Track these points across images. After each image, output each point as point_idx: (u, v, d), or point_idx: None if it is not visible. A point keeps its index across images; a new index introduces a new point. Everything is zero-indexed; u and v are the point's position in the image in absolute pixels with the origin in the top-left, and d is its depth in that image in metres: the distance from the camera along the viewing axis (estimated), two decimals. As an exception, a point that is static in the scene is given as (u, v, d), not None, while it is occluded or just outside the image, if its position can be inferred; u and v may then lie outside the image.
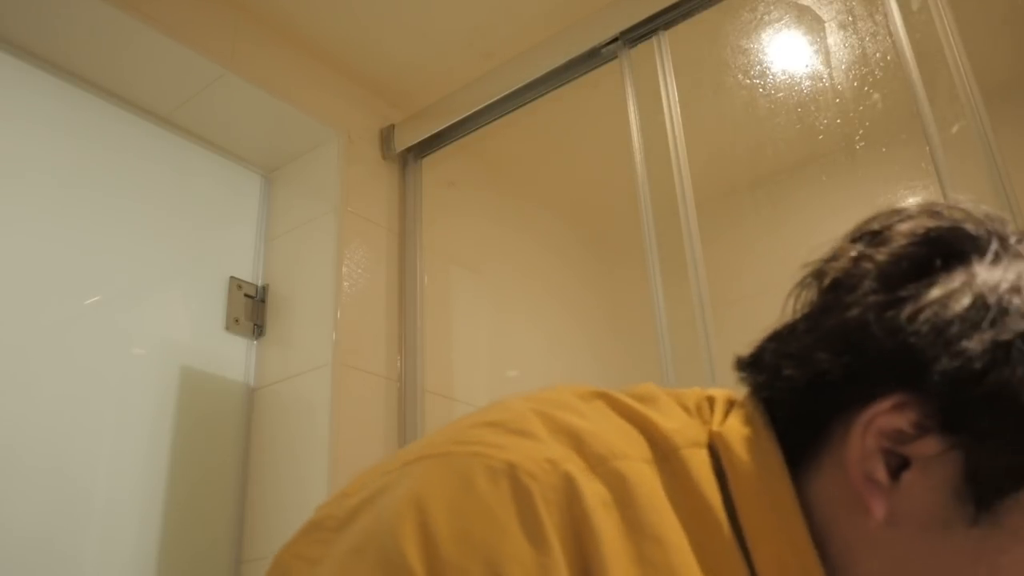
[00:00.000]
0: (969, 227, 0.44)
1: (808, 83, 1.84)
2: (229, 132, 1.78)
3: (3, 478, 1.30)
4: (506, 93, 1.76)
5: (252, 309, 1.75)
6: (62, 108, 1.56)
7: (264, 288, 1.78)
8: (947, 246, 0.43)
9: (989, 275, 0.41)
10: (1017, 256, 0.42)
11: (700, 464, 0.43)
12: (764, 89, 1.85)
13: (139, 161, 1.66)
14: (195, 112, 1.71)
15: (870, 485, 0.42)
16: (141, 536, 1.45)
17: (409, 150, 1.91)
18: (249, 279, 1.77)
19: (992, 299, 0.40)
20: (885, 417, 0.42)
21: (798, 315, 0.48)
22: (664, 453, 0.43)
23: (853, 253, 0.46)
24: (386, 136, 1.91)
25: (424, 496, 0.38)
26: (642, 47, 1.62)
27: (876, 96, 1.79)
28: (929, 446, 0.41)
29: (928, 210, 0.45)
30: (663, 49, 1.59)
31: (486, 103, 1.79)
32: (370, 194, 1.83)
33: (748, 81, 1.83)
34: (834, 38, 1.77)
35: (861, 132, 1.86)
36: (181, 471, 1.53)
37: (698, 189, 1.50)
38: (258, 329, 1.74)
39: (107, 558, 1.40)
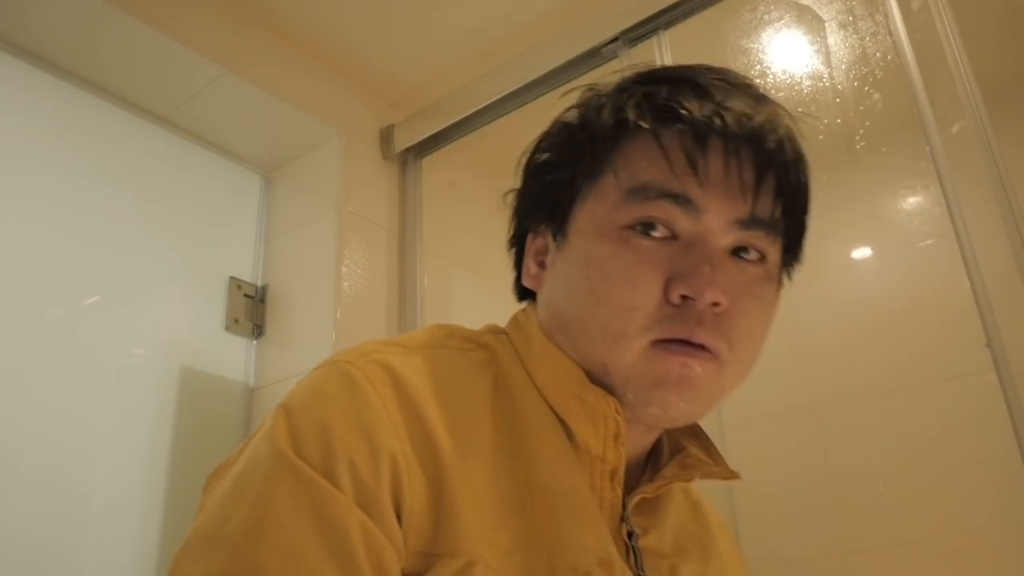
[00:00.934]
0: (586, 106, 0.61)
1: (808, 83, 1.84)
2: (229, 132, 1.78)
3: (3, 478, 1.30)
4: (506, 93, 1.76)
5: (252, 309, 1.74)
6: (62, 108, 1.56)
7: (264, 288, 1.78)
8: (569, 128, 0.62)
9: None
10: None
11: (500, 343, 0.61)
12: (764, 89, 1.84)
13: (139, 161, 1.65)
14: (195, 112, 1.71)
15: (530, 279, 0.62)
16: (141, 537, 1.45)
17: (409, 150, 1.91)
18: (249, 279, 1.77)
19: (547, 135, 0.64)
20: (533, 243, 0.62)
21: None
22: (476, 344, 0.60)
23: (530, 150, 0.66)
24: (386, 136, 1.91)
25: (287, 403, 0.53)
26: (642, 47, 1.62)
27: (876, 96, 1.78)
28: (547, 238, 0.61)
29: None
30: (663, 49, 1.59)
31: (486, 103, 1.79)
32: (370, 194, 1.83)
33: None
34: (834, 38, 1.77)
35: (861, 132, 1.86)
36: (181, 471, 1.53)
37: (698, 189, 1.49)
38: (258, 329, 1.74)
39: (107, 558, 1.40)
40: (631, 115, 0.54)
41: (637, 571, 0.52)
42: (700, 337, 0.51)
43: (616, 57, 1.63)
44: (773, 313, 0.58)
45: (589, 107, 0.59)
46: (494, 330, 0.63)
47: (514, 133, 1.93)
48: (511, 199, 0.65)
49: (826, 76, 1.82)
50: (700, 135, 0.52)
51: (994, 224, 1.19)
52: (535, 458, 0.52)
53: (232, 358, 1.69)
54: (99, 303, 1.51)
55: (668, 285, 0.52)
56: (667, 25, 1.59)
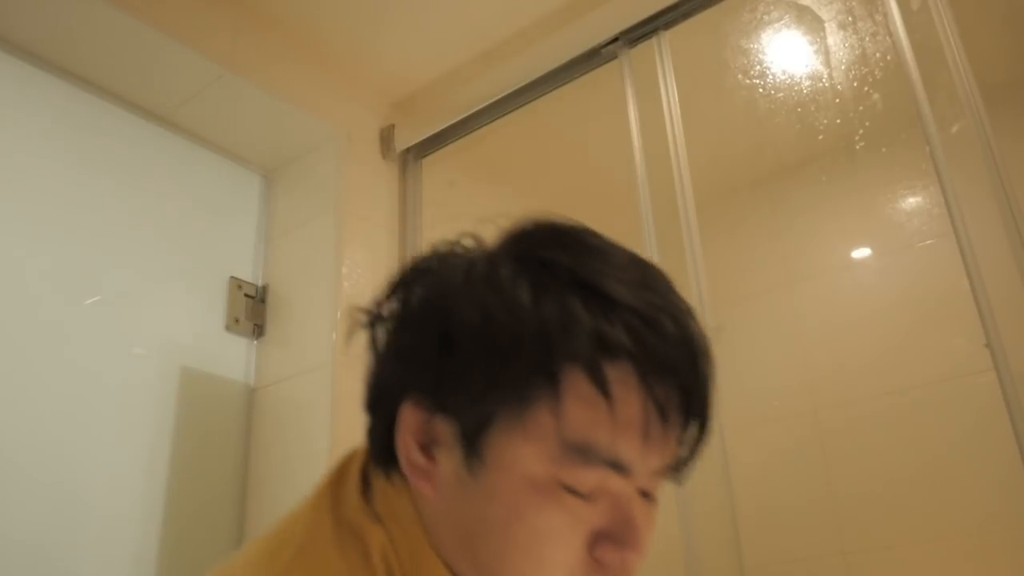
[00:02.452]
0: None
1: (808, 83, 1.84)
2: (229, 132, 1.78)
3: (3, 478, 1.30)
4: (506, 93, 1.76)
5: (252, 309, 1.75)
6: (62, 108, 1.56)
7: (264, 288, 1.78)
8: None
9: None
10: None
11: (376, 538, 0.54)
12: (764, 89, 1.84)
13: (139, 161, 1.66)
14: (195, 112, 1.71)
15: (415, 470, 0.52)
16: (141, 535, 1.45)
17: (409, 150, 1.91)
18: (249, 279, 1.77)
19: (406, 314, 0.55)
20: (411, 414, 0.52)
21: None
22: (353, 541, 0.54)
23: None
24: (386, 136, 1.91)
25: None
26: (642, 47, 1.62)
27: (876, 96, 1.78)
28: (436, 425, 0.52)
29: None
30: (663, 49, 1.59)
31: (486, 103, 1.79)
32: (370, 194, 1.83)
33: (748, 81, 1.83)
34: (834, 38, 1.77)
35: (861, 132, 1.86)
36: (181, 471, 1.53)
37: (698, 189, 1.50)
38: (258, 329, 1.74)
39: (107, 558, 1.40)
40: (582, 340, 0.47)
41: None
42: None
43: (616, 57, 1.63)
44: None
45: (520, 299, 0.49)
46: (361, 520, 0.54)
47: (514, 133, 1.93)
48: (364, 328, 0.56)
49: (826, 76, 1.82)
50: (652, 389, 0.48)
51: (994, 224, 1.19)
52: None
53: (232, 358, 1.69)
54: (99, 303, 1.51)
55: (594, 542, 0.49)
56: (667, 25, 1.59)
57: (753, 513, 1.61)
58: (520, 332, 0.48)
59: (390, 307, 0.56)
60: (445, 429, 0.51)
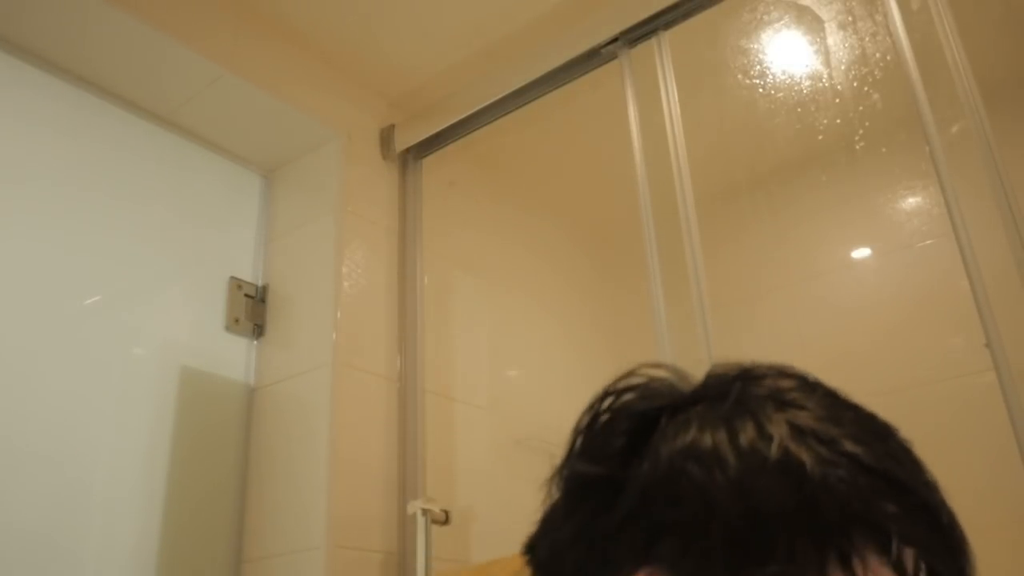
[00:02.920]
0: None
1: (808, 83, 1.84)
2: (229, 132, 1.78)
3: (4, 477, 1.30)
4: (506, 93, 1.76)
5: (252, 309, 1.75)
6: (62, 108, 1.56)
7: (264, 288, 1.78)
8: None
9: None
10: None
11: None
12: (764, 89, 1.85)
13: (139, 161, 1.66)
14: (195, 112, 1.71)
15: None
16: (141, 535, 1.45)
17: (409, 150, 1.91)
18: (249, 279, 1.77)
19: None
20: None
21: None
22: None
23: None
24: (386, 136, 1.91)
25: None
26: (642, 47, 1.62)
27: (876, 96, 1.78)
28: None
29: None
30: (663, 49, 1.59)
31: (486, 103, 1.79)
32: (370, 194, 1.83)
33: (748, 81, 1.83)
34: (834, 38, 1.77)
35: (861, 132, 1.86)
36: (181, 471, 1.53)
37: (698, 189, 1.50)
38: (258, 329, 1.74)
39: (107, 557, 1.40)
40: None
41: None
42: None
43: (616, 57, 1.63)
44: None
45: (819, 482, 0.44)
46: None
47: (514, 133, 1.94)
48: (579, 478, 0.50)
49: (826, 76, 1.82)
50: None
51: (994, 224, 1.19)
52: None
53: (232, 358, 1.69)
54: (100, 303, 1.52)
55: None
56: (667, 25, 1.59)
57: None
58: (834, 513, 0.44)
59: (605, 465, 0.50)
60: None
